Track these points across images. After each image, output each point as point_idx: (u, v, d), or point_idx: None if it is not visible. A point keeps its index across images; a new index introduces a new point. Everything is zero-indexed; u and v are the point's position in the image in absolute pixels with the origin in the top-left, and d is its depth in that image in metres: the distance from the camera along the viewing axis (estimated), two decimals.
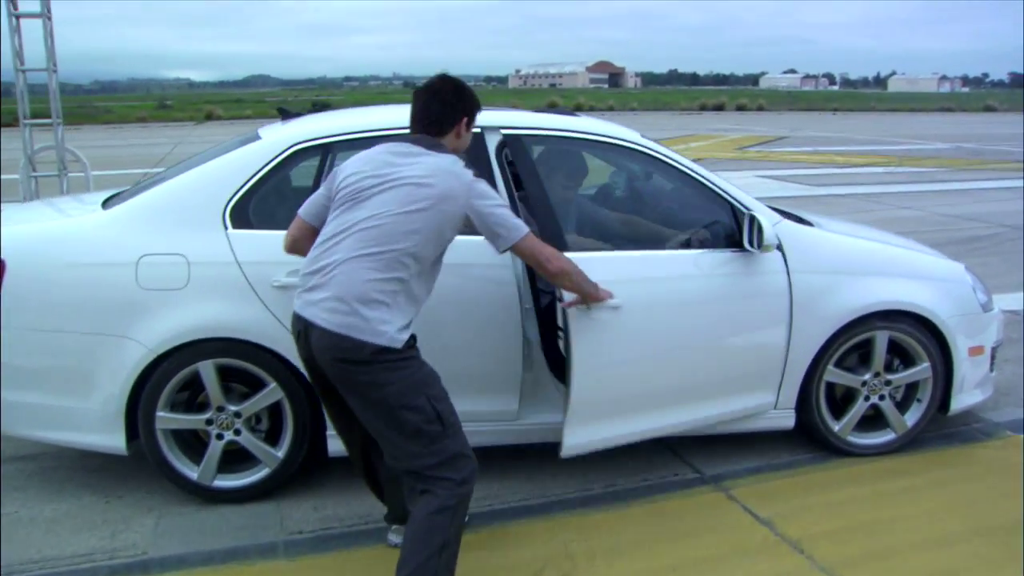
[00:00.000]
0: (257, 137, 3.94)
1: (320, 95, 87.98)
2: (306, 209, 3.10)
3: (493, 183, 3.76)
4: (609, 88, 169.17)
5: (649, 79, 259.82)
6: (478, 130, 3.82)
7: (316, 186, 3.74)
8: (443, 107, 3.03)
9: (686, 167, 4.00)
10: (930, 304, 4.10)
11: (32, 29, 12.28)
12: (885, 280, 4.11)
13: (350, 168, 2.98)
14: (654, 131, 29.47)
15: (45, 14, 11.73)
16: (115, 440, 3.67)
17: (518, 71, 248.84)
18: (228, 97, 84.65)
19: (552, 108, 4.23)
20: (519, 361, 3.75)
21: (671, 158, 4.01)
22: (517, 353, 3.73)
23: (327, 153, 3.83)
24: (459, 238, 3.36)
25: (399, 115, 4.25)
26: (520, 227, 2.91)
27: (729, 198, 3.94)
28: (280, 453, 3.76)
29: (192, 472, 3.73)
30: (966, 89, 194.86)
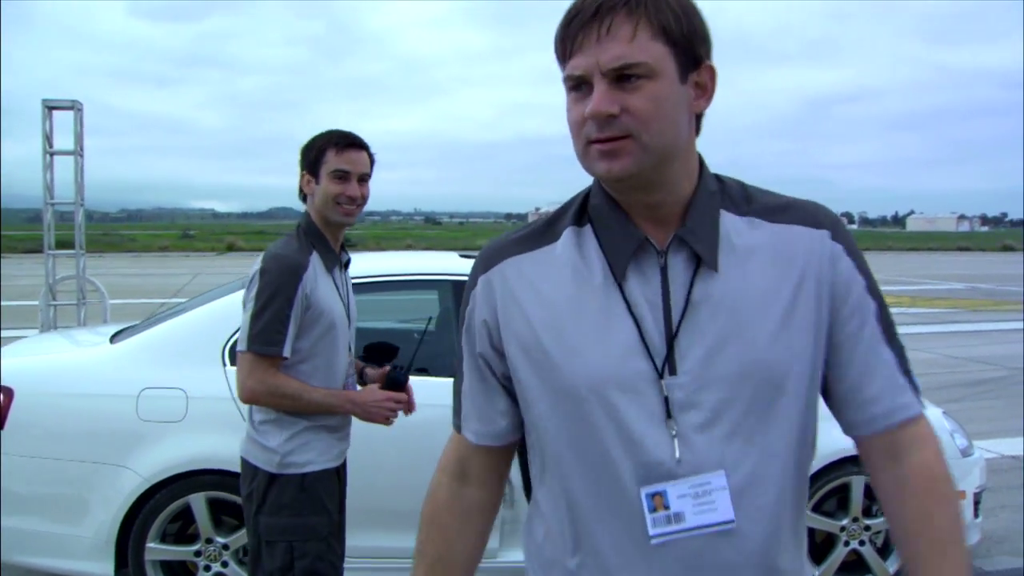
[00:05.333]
0: None
1: None
2: None
3: None
4: None
5: None
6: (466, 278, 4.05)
7: None
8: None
9: None
10: None
11: (63, 163, 12.77)
12: None
13: None
14: None
15: (77, 151, 12.32)
16: (103, 568, 3.75)
17: (538, 209, 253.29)
18: (250, 228, 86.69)
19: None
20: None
21: None
22: None
23: None
24: (431, 380, 3.45)
25: (393, 263, 4.48)
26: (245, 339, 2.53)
27: None
28: None
29: None
30: (985, 228, 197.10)
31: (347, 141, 2.68)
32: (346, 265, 2.84)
